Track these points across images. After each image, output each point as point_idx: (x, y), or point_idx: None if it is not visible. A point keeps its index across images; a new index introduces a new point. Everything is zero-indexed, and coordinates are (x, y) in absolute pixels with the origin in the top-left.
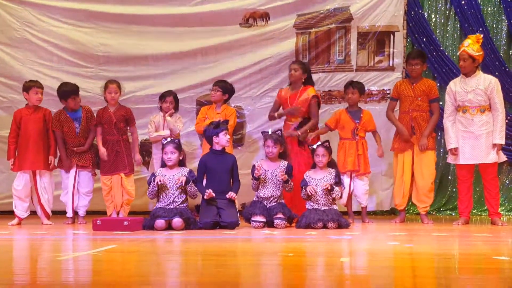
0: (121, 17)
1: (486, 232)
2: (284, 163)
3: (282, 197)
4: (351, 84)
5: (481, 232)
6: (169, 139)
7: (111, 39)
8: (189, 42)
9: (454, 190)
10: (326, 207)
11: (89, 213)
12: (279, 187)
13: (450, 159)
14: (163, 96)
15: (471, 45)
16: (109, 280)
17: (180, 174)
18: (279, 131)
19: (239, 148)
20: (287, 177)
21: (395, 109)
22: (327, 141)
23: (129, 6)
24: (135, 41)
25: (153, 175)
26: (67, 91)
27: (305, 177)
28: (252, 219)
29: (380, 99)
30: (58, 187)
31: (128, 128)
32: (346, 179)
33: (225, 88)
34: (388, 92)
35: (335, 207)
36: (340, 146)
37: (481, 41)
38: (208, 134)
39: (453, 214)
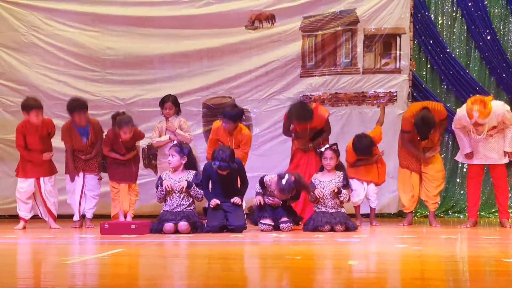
0: (126, 19)
1: (494, 235)
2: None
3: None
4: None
5: (490, 235)
6: (174, 142)
7: (117, 42)
8: (195, 44)
9: (462, 192)
10: (334, 210)
11: (97, 216)
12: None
13: (461, 158)
14: (162, 102)
15: (481, 116)
16: (116, 284)
17: (185, 177)
18: (335, 145)
19: None
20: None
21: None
22: (335, 144)
23: (134, 9)
24: (140, 44)
25: (160, 178)
26: (73, 106)
27: (312, 180)
28: (261, 221)
29: (387, 101)
30: (62, 192)
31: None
32: (363, 184)
33: (236, 117)
34: (395, 94)
35: (343, 210)
36: (360, 162)
37: (488, 104)
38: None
39: (461, 217)
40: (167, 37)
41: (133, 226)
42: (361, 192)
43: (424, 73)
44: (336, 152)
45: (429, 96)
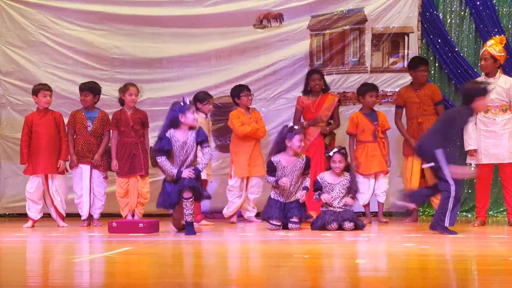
0: (134, 19)
1: (502, 234)
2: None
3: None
4: (374, 88)
5: (497, 234)
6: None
7: (125, 41)
8: (203, 43)
9: (470, 191)
10: (341, 209)
11: (104, 215)
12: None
13: (470, 159)
14: (204, 99)
15: (494, 46)
16: (124, 282)
17: (191, 137)
18: (343, 149)
19: None
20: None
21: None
22: (344, 148)
23: (142, 8)
24: (149, 43)
25: (167, 138)
26: (80, 88)
27: (319, 180)
28: (270, 221)
29: (395, 100)
30: (71, 191)
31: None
32: (370, 181)
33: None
34: None
35: (351, 208)
36: (361, 150)
37: (504, 42)
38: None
39: (469, 216)
40: (175, 36)
41: (141, 225)
42: (367, 190)
43: (432, 72)
44: (345, 155)
45: None
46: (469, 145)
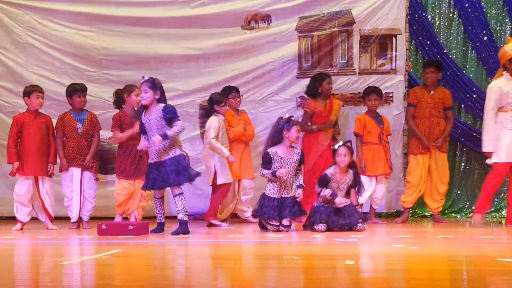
0: (122, 19)
1: (491, 234)
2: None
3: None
4: (374, 91)
5: (486, 234)
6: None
7: (113, 42)
8: (191, 45)
9: (459, 192)
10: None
11: (93, 218)
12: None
13: (490, 159)
14: (221, 101)
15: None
16: (114, 284)
17: (155, 116)
18: (349, 142)
19: None
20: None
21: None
22: (349, 141)
23: (130, 8)
24: (137, 44)
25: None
26: (75, 89)
27: (328, 175)
28: (270, 222)
29: (383, 102)
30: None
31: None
32: (372, 181)
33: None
34: (391, 95)
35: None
36: (367, 150)
37: None
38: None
39: (458, 217)
40: (164, 37)
41: (130, 227)
42: (369, 190)
43: (421, 73)
44: (350, 149)
45: None
46: (487, 146)
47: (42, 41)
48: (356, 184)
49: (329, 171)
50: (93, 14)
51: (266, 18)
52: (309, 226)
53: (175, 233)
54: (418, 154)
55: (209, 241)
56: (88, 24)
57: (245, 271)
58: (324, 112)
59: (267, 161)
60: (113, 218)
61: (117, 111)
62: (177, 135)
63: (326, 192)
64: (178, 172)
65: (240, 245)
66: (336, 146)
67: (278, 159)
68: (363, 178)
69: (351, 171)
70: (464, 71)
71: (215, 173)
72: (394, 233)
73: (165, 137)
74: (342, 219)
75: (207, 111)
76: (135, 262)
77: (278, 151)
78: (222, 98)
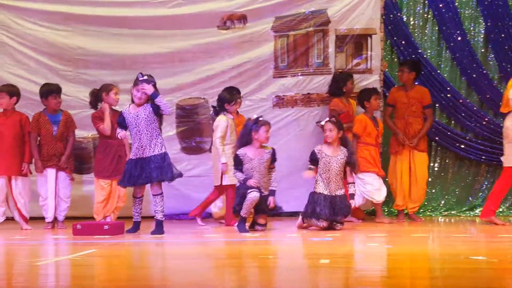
0: (98, 19)
1: (465, 233)
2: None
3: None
4: (375, 92)
5: (459, 233)
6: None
7: (89, 42)
8: (167, 45)
9: (433, 191)
10: (337, 193)
11: (68, 218)
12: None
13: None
14: (231, 100)
15: None
16: (89, 284)
17: (143, 111)
18: (333, 118)
19: None
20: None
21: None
22: (333, 116)
23: (106, 8)
24: (112, 43)
25: (121, 115)
26: (50, 89)
27: (316, 151)
28: (258, 222)
29: (358, 101)
30: (34, 194)
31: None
32: (379, 179)
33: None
34: None
35: (342, 191)
36: (367, 151)
37: None
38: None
39: (432, 216)
40: (139, 37)
41: (106, 227)
42: (382, 186)
43: (396, 73)
44: (336, 124)
45: None
46: None
47: (17, 40)
48: (351, 161)
49: (317, 147)
50: (69, 14)
51: (242, 18)
52: (309, 214)
53: (154, 233)
54: (397, 153)
55: (183, 241)
56: (64, 24)
57: (220, 270)
58: (351, 111)
59: (238, 163)
60: (88, 218)
61: (92, 111)
62: (166, 107)
63: (238, 176)
64: (162, 169)
65: (215, 244)
66: (322, 122)
67: (248, 160)
68: (372, 176)
69: (344, 149)
70: (438, 71)
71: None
72: (369, 231)
73: (155, 95)
74: (332, 212)
75: (216, 110)
76: (111, 262)
77: (247, 152)
78: (233, 97)
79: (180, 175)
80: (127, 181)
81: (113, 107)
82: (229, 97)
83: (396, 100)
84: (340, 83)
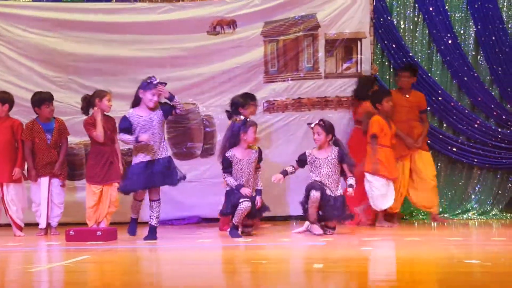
0: (88, 25)
1: (458, 236)
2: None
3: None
4: (388, 93)
5: (453, 236)
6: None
7: (79, 48)
8: (157, 50)
9: None
10: (333, 194)
11: (62, 224)
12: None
13: None
14: (244, 103)
15: None
16: None
17: (156, 116)
18: (321, 121)
19: (210, 157)
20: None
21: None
22: (322, 119)
23: (96, 15)
24: (103, 49)
25: (127, 120)
26: (42, 98)
27: (306, 154)
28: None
29: (350, 105)
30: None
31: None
32: (390, 184)
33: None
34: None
35: (339, 192)
36: (383, 153)
37: None
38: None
39: (425, 219)
40: (129, 43)
41: (99, 233)
42: (390, 193)
43: (387, 76)
44: (324, 128)
45: None
46: None
47: (8, 46)
48: (344, 159)
49: (308, 151)
50: (59, 20)
51: (232, 24)
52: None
53: (147, 238)
54: (402, 158)
55: (176, 246)
56: (54, 30)
57: (213, 276)
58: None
59: (227, 165)
60: (81, 224)
61: (84, 116)
62: (181, 106)
63: (230, 181)
64: (170, 172)
65: (209, 250)
66: (312, 125)
67: (237, 162)
68: (380, 181)
69: (335, 148)
70: (429, 74)
71: None
72: (363, 235)
73: (172, 97)
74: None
75: (229, 114)
76: (104, 268)
77: (236, 153)
78: (247, 101)
79: (184, 177)
80: (139, 185)
81: (105, 113)
82: (242, 101)
83: (395, 103)
84: (366, 87)
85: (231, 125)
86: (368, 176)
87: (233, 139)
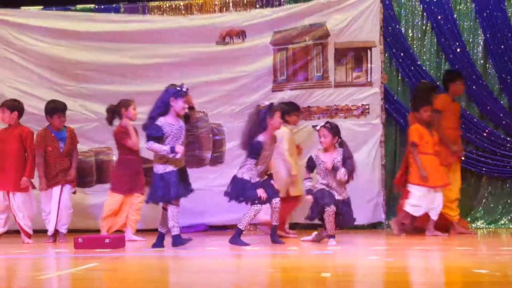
0: (97, 35)
1: (466, 246)
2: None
3: None
4: (428, 102)
5: (462, 246)
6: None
7: (89, 56)
8: (166, 59)
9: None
10: (340, 197)
11: (70, 231)
12: None
13: None
14: (290, 111)
15: None
16: None
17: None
18: (328, 123)
19: (219, 165)
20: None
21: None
22: (328, 121)
23: (105, 24)
24: (112, 58)
25: (159, 128)
26: (56, 108)
27: (313, 157)
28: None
29: (360, 114)
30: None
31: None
32: (430, 193)
33: None
34: (367, 107)
35: (346, 195)
36: (426, 161)
37: None
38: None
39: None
40: (138, 51)
41: (107, 240)
42: (425, 202)
43: (395, 85)
44: (331, 130)
45: (401, 108)
46: None
47: (19, 55)
48: (345, 163)
49: (314, 154)
50: (69, 30)
51: (241, 34)
52: (316, 213)
53: (155, 246)
54: (446, 166)
55: (185, 255)
56: (64, 39)
57: (221, 284)
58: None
59: (258, 152)
60: (90, 231)
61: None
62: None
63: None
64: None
65: (215, 258)
66: (318, 127)
67: (267, 148)
68: (421, 192)
69: (340, 150)
70: (438, 82)
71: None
72: (370, 244)
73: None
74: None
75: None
76: (113, 276)
77: (266, 140)
78: (292, 108)
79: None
80: (180, 193)
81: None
82: (287, 108)
83: (446, 108)
84: (429, 93)
85: (255, 111)
86: (408, 185)
87: (260, 125)
